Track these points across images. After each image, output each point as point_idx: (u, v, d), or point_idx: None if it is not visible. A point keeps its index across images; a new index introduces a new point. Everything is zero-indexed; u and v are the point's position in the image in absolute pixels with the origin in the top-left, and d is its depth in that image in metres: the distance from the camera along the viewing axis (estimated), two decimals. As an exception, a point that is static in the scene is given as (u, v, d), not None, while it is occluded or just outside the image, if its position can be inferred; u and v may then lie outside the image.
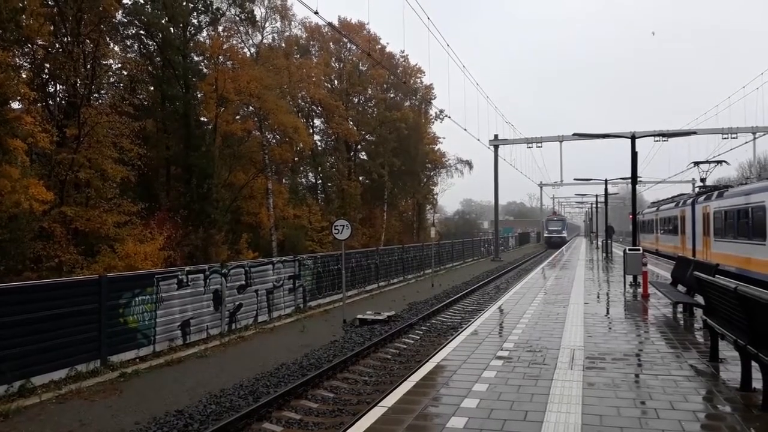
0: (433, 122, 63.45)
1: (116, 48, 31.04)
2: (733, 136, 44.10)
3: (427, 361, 8.84)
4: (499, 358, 8.66)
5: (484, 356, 8.82)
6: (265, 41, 46.24)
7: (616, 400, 6.51)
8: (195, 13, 33.70)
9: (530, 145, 51.59)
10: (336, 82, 54.75)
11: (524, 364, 8.29)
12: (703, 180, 32.70)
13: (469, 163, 67.56)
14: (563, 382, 7.25)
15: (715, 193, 25.77)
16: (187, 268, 15.90)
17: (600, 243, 50.74)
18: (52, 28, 24.77)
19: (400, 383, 7.46)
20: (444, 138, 78.07)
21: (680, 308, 13.24)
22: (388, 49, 56.92)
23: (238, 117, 38.90)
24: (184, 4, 32.33)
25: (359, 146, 56.45)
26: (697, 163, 32.25)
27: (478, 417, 6.00)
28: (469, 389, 6.99)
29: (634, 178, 19.97)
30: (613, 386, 7.09)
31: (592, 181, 44.35)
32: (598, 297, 16.50)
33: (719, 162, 31.66)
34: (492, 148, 51.80)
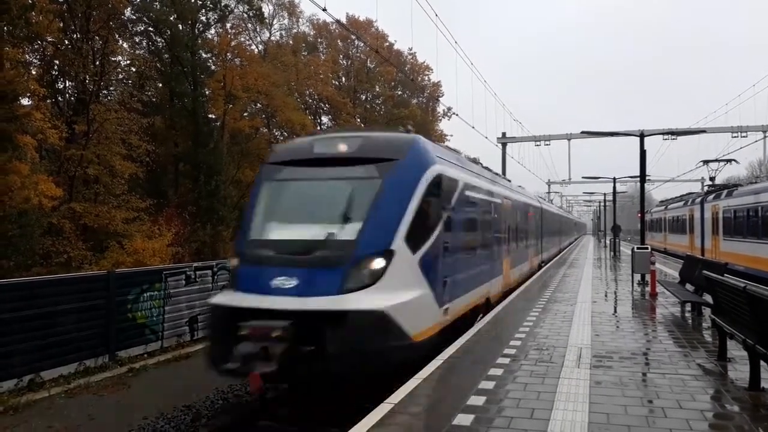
0: (441, 120, 63.38)
1: (125, 45, 31.23)
2: (743, 134, 43.74)
3: (433, 358, 8.83)
4: (506, 355, 8.64)
5: (490, 354, 8.81)
6: (273, 38, 46.43)
7: (624, 399, 6.49)
8: (203, 10, 33.80)
9: (538, 143, 51.37)
10: (344, 79, 54.76)
11: (531, 362, 8.27)
12: (712, 179, 32.56)
13: (476, 161, 67.37)
14: (570, 380, 7.23)
15: (725, 192, 25.65)
16: (195, 265, 15.97)
17: (608, 242, 50.57)
18: (61, 24, 24.92)
19: (408, 380, 7.46)
20: (452, 135, 77.85)
21: (688, 307, 13.18)
22: (396, 47, 56.93)
23: (246, 114, 39.04)
24: (193, 1, 32.41)
25: (367, 144, 56.39)
26: (706, 162, 32.10)
27: (485, 414, 6.00)
28: (476, 386, 6.99)
29: (642, 177, 19.88)
30: (621, 385, 7.07)
31: (600, 180, 44.12)
32: (605, 295, 16.44)
33: (729, 161, 31.51)
34: (500, 145, 51.66)
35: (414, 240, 8.34)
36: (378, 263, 7.87)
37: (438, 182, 9.24)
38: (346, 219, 8.22)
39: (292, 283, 7.57)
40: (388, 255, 7.93)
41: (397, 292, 7.83)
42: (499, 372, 7.66)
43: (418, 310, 8.27)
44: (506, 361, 8.29)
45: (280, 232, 8.49)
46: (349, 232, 8.07)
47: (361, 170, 8.68)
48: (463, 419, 5.83)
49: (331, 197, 8.71)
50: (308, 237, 8.17)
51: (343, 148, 9.03)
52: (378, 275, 7.80)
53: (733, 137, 43.13)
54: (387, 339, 7.53)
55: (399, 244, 8.07)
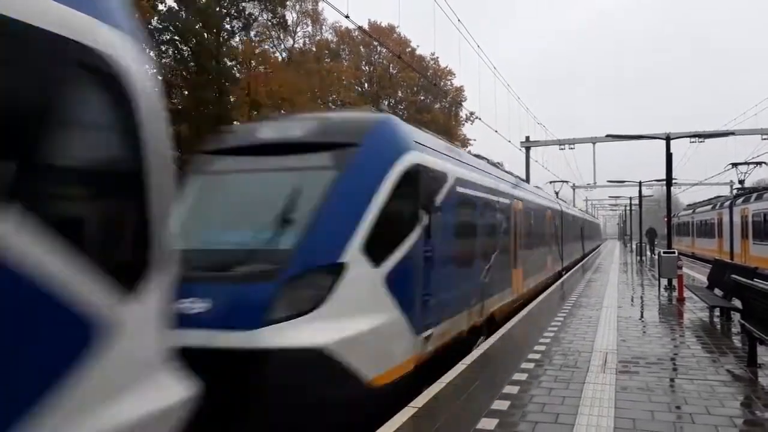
0: (464, 124, 63.26)
1: (151, 53, 31.75)
2: (774, 136, 42.93)
3: (457, 363, 8.83)
4: (530, 360, 8.61)
5: (514, 358, 8.78)
6: (296, 45, 46.83)
7: (650, 404, 6.42)
8: (228, 19, 34.26)
9: (562, 146, 50.96)
10: (366, 85, 55.06)
11: (555, 366, 8.22)
12: (741, 182, 32.03)
13: (500, 166, 67.09)
14: (595, 385, 7.17)
15: (754, 195, 25.26)
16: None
17: (634, 246, 49.92)
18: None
19: (432, 384, 7.47)
20: (475, 140, 77.49)
21: (717, 312, 12.97)
22: (418, 52, 57.05)
23: (270, 121, 39.41)
24: (218, 10, 32.89)
25: (389, 149, 56.61)
26: (735, 165, 31.61)
27: (509, 419, 5.98)
28: (500, 390, 6.97)
29: (669, 180, 19.65)
30: (647, 390, 6.98)
31: (626, 183, 43.65)
32: (632, 300, 16.25)
33: (758, 163, 30.96)
34: (523, 149, 51.38)
35: (377, 249, 6.26)
36: (321, 280, 5.83)
37: (415, 174, 7.20)
38: (284, 222, 6.10)
39: (200, 308, 5.42)
40: (337, 269, 5.89)
41: (349, 320, 5.83)
42: (523, 377, 7.62)
43: (381, 342, 6.29)
44: (530, 365, 8.26)
45: (192, 240, 6.20)
46: (285, 240, 6.04)
47: (308, 159, 6.69)
48: (487, 423, 5.83)
49: (269, 194, 6.70)
50: (227, 246, 6.44)
51: (291, 132, 7.06)
52: (321, 298, 5.74)
53: (763, 139, 42.33)
54: (331, 386, 5.63)
55: (353, 254, 6.00)
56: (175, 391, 2.96)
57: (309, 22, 48.21)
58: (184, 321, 4.44)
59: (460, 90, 60.62)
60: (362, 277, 6.10)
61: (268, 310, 5.56)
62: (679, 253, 18.58)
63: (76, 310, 2.39)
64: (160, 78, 30.70)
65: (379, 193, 6.44)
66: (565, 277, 23.44)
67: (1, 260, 2.07)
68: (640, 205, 43.72)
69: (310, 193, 6.28)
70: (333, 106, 50.16)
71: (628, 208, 64.59)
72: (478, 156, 14.03)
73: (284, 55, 44.88)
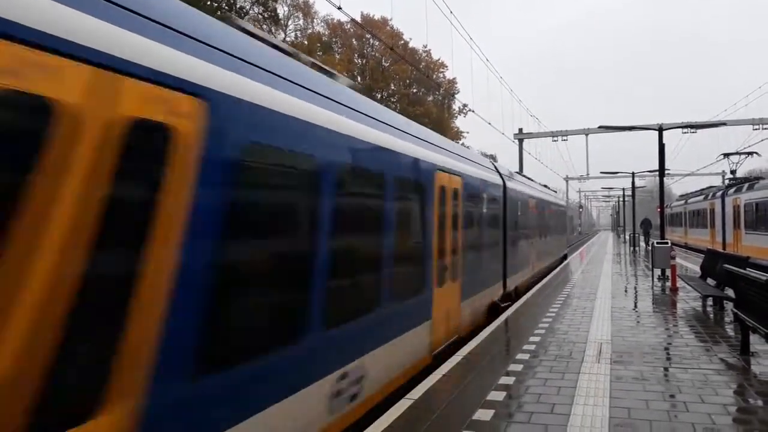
0: (457, 117, 63.27)
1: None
2: (765, 126, 43.14)
3: (453, 354, 8.86)
4: (525, 351, 8.65)
5: (510, 349, 8.82)
6: (288, 39, 46.58)
7: (645, 394, 6.47)
8: (218, 12, 34.08)
9: (555, 138, 51.09)
10: (359, 78, 54.88)
11: (551, 357, 8.27)
12: (733, 172, 32.20)
13: (493, 158, 67.18)
14: (590, 376, 7.22)
15: (746, 185, 25.40)
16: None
17: (627, 237, 50.14)
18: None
19: (427, 376, 7.50)
20: (468, 132, 77.46)
21: (710, 302, 13.06)
22: (411, 45, 56.93)
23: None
24: (208, 3, 32.70)
25: (383, 142, 56.56)
26: (726, 155, 31.74)
27: (505, 409, 6.01)
28: (496, 382, 7.00)
29: (661, 171, 19.72)
30: (642, 380, 7.04)
31: (618, 175, 43.78)
32: (625, 291, 16.33)
33: (750, 153, 31.10)
34: (517, 141, 51.45)
35: None
36: None
37: None
38: None
39: None
40: None
41: None
42: (518, 368, 7.66)
43: None
44: (526, 356, 8.29)
45: None
46: None
47: None
48: (483, 414, 5.86)
49: None
50: None
51: None
52: None
53: (754, 129, 42.54)
54: None
55: None
56: None
57: (300, 16, 48.09)
58: None
59: (452, 82, 60.61)
60: None
61: None
62: (672, 244, 18.67)
63: None
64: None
65: None
66: None
67: None
68: (633, 196, 43.85)
69: None
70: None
71: (621, 199, 64.84)
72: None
73: (276, 48, 44.81)
